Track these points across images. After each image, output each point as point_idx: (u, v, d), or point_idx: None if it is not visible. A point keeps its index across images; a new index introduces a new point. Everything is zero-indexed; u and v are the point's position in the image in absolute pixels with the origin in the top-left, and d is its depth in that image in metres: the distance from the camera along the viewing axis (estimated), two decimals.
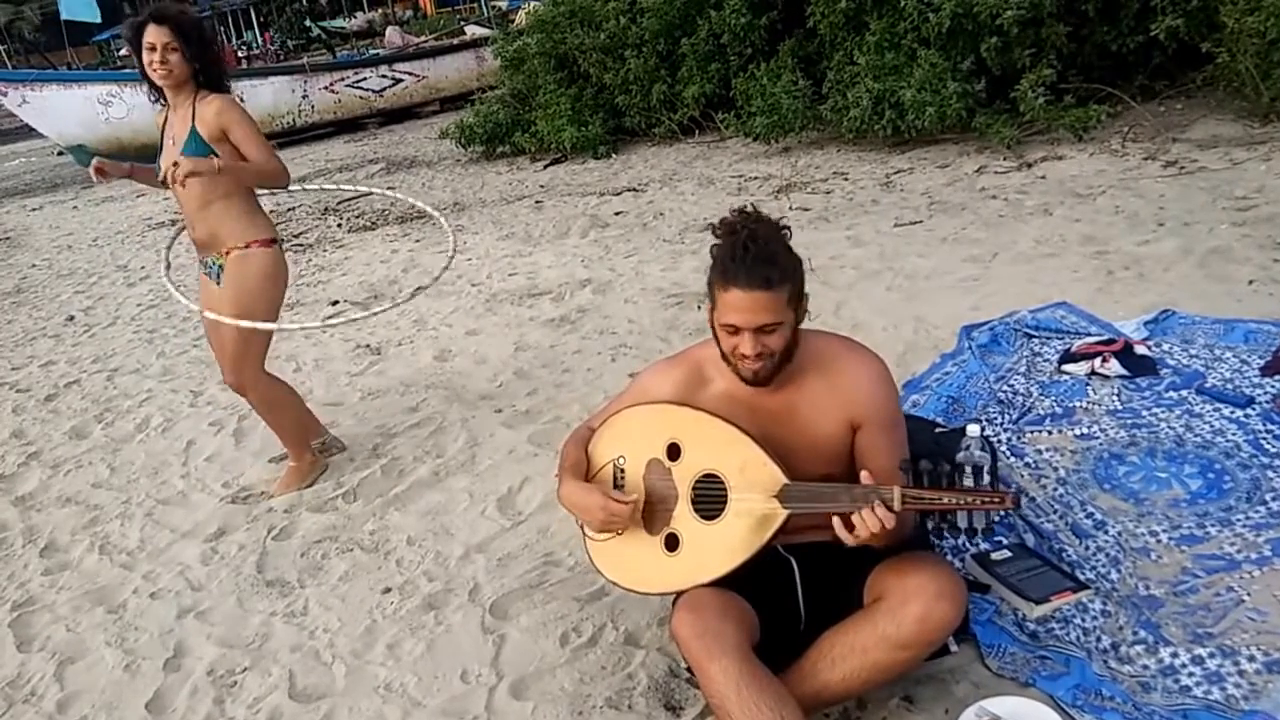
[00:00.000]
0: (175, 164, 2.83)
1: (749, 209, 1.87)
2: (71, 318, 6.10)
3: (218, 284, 3.11)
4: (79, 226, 9.55)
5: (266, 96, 12.96)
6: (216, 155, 2.94)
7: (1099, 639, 2.02)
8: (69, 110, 11.74)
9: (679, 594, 1.93)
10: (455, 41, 15.97)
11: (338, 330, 4.99)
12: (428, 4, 31.36)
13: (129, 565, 3.01)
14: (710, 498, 1.93)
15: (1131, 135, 5.95)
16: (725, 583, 1.88)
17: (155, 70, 2.92)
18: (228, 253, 3.07)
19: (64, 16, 18.87)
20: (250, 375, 3.20)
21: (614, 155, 8.58)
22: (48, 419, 4.34)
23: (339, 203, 8.53)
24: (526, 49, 9.32)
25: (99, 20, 18.68)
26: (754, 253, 1.77)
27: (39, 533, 3.31)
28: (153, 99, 3.10)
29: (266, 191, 3.41)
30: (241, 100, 3.19)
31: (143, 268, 7.21)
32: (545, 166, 8.69)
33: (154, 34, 2.89)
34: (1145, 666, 1.93)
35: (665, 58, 8.40)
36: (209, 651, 2.52)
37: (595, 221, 6.39)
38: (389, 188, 4.00)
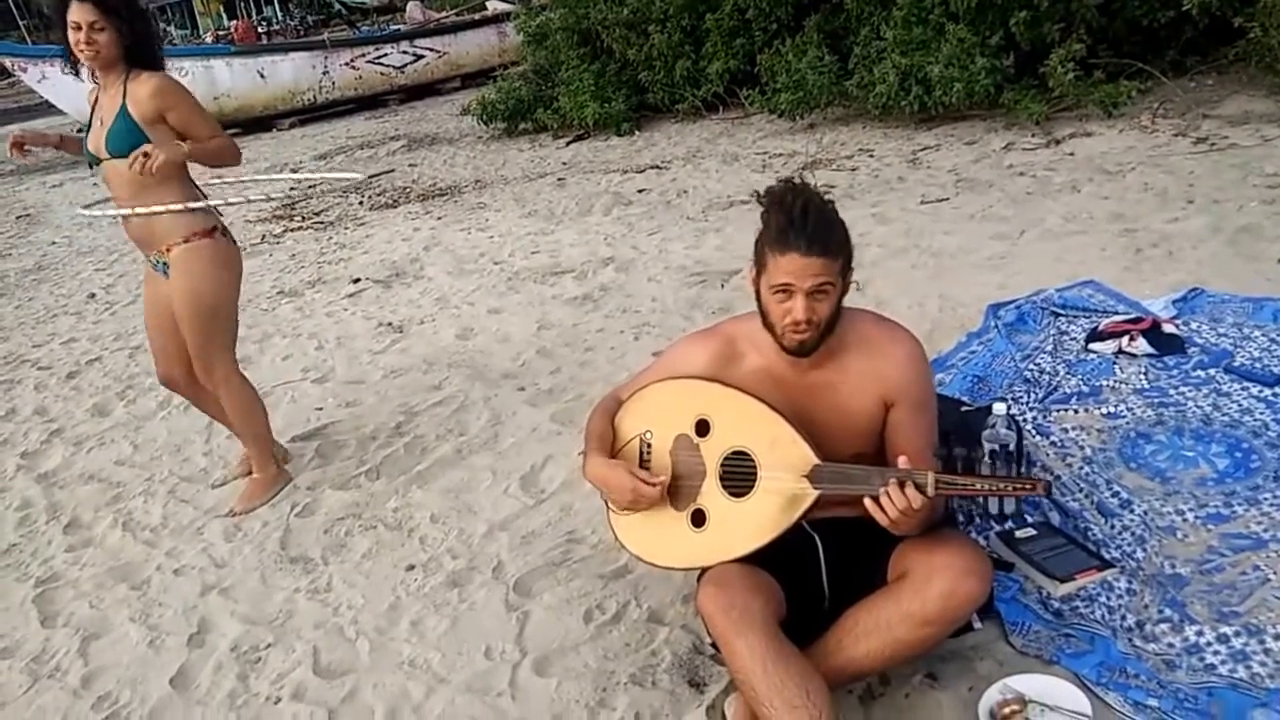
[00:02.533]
0: (145, 154, 2.64)
1: (797, 180, 1.86)
2: (93, 295, 6.14)
3: (165, 277, 2.94)
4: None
5: (287, 73, 12.99)
6: (146, 139, 2.74)
7: (1124, 617, 2.01)
8: (89, 87, 11.75)
9: (704, 570, 1.92)
10: (477, 17, 15.88)
11: (360, 308, 5.01)
12: None
13: (152, 542, 3.04)
14: (739, 475, 1.91)
15: (1161, 111, 5.85)
16: (750, 559, 1.88)
17: (82, 50, 2.73)
18: (169, 249, 2.89)
19: None
20: (222, 372, 3.04)
21: (637, 132, 8.53)
22: (70, 396, 4.38)
23: (360, 179, 8.55)
24: (549, 24, 9.27)
25: None
26: (814, 218, 1.78)
27: (62, 509, 3.35)
28: (68, 72, 2.88)
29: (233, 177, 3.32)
30: (184, 77, 3.07)
31: None
32: (568, 144, 8.65)
33: (78, 12, 2.69)
34: (1170, 645, 1.92)
35: (689, 33, 8.33)
36: (233, 628, 2.55)
37: (618, 199, 6.36)
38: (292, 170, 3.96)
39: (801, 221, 1.76)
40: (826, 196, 1.86)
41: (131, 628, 2.61)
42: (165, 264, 2.92)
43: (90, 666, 2.49)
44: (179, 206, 2.81)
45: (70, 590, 2.85)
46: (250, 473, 3.24)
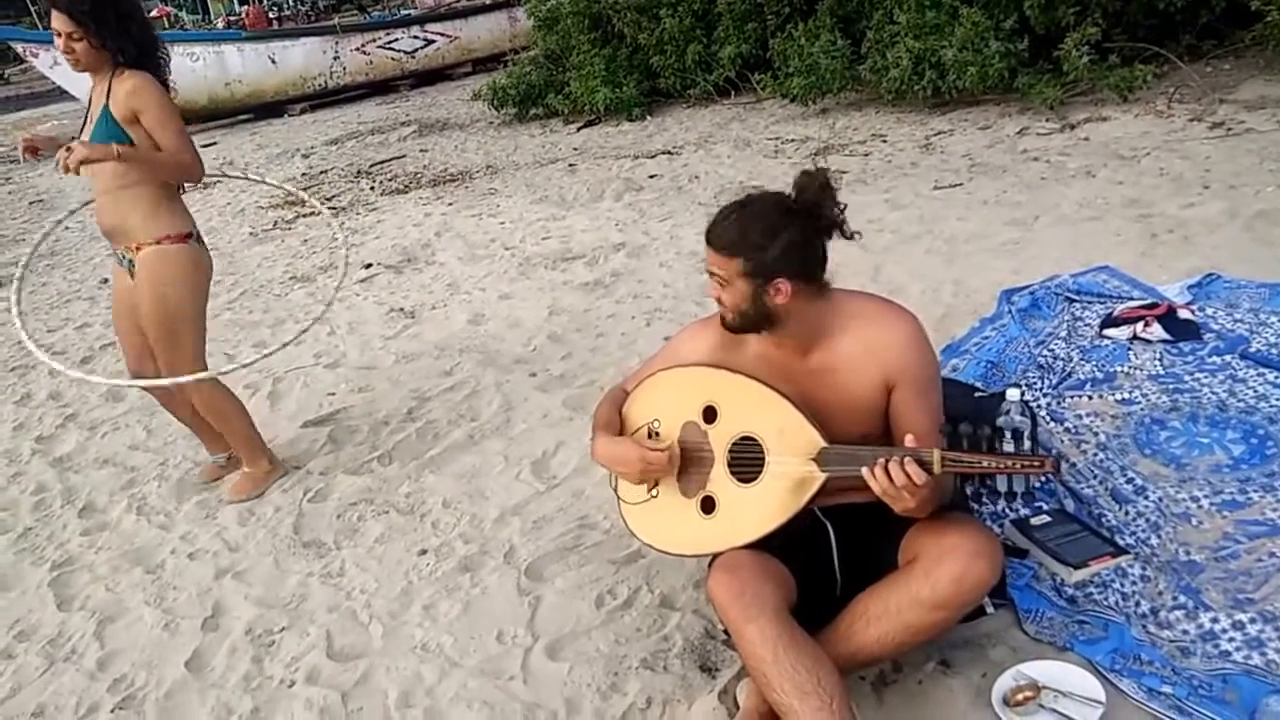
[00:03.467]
0: (68, 149, 2.60)
1: (814, 168, 1.88)
2: (105, 280, 6.15)
3: (131, 277, 2.91)
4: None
5: (298, 58, 12.98)
6: (129, 138, 2.72)
7: (1138, 604, 2.00)
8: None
9: (715, 556, 1.92)
10: (488, 1, 15.83)
11: (371, 293, 5.01)
12: None
13: (166, 526, 3.06)
14: (747, 460, 1.91)
15: (1177, 96, 5.79)
16: (761, 545, 1.88)
17: (65, 57, 2.75)
18: (138, 248, 2.85)
19: None
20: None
21: (648, 117, 8.49)
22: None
23: (371, 165, 8.55)
24: (560, 8, 9.22)
25: None
26: (725, 213, 1.87)
27: (77, 493, 3.37)
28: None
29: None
30: (173, 84, 2.93)
31: None
32: (579, 129, 8.62)
33: (56, 21, 2.69)
34: (1185, 631, 1.91)
35: (701, 17, 8.27)
36: (247, 611, 2.56)
37: (629, 185, 6.34)
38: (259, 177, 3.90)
39: (719, 215, 1.88)
40: (809, 209, 1.86)
41: (147, 611, 2.64)
42: (131, 261, 2.88)
43: (106, 649, 2.51)
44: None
45: (86, 574, 2.87)
46: (219, 478, 3.25)
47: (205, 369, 3.02)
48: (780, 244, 1.81)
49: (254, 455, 3.18)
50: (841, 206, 1.87)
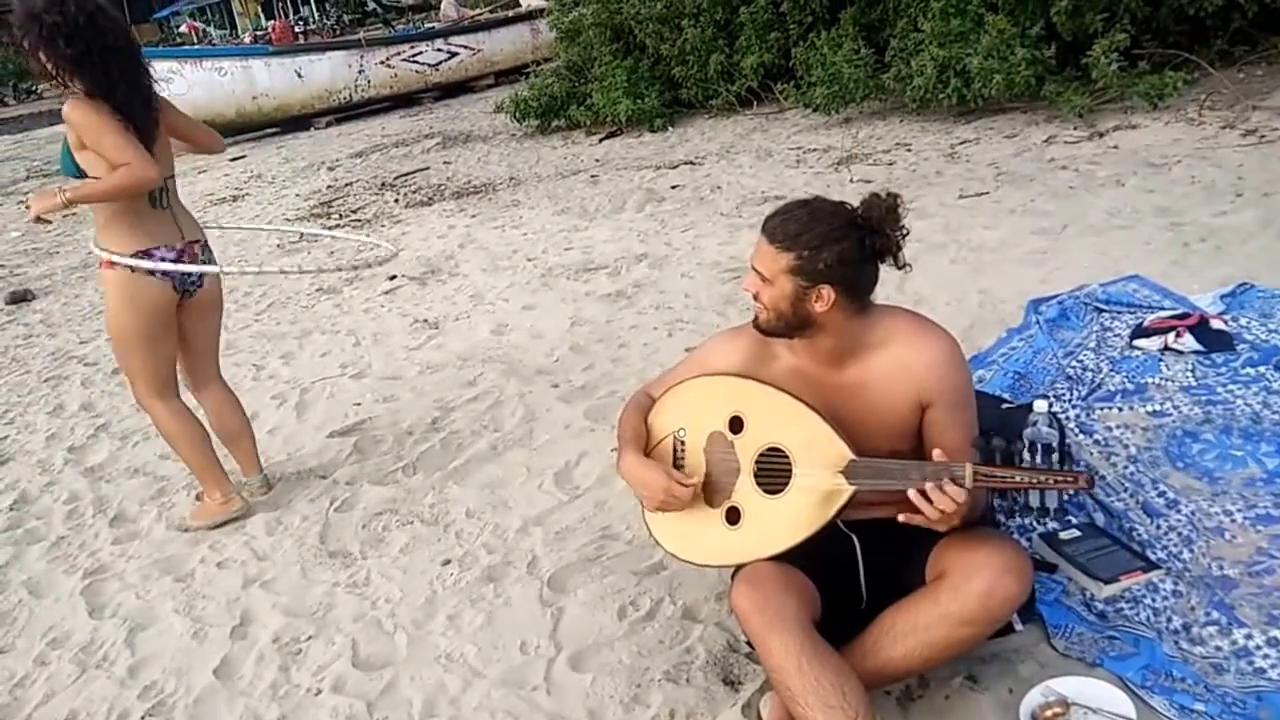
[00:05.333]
0: (27, 206, 2.58)
1: (882, 195, 1.85)
2: None
3: None
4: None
5: (324, 72, 13.12)
6: (78, 169, 2.69)
7: (1170, 620, 1.97)
8: None
9: (738, 568, 1.91)
10: (510, 14, 15.94)
11: (396, 305, 5.05)
12: None
13: (196, 535, 3.09)
14: (773, 472, 1.90)
15: (1209, 103, 5.72)
16: (786, 557, 1.86)
17: None
18: (100, 264, 2.82)
19: None
20: (143, 400, 3.00)
21: (670, 128, 8.51)
22: (115, 392, 4.45)
23: (395, 177, 8.61)
24: (582, 20, 9.27)
25: None
26: (788, 208, 1.86)
27: (109, 503, 3.41)
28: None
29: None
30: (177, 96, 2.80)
31: None
32: (601, 140, 8.65)
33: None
34: (1218, 648, 1.88)
35: (723, 27, 8.28)
36: (274, 620, 2.58)
37: (651, 195, 6.35)
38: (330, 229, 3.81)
39: (781, 209, 1.87)
40: (862, 217, 1.83)
41: (176, 619, 2.66)
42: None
43: (137, 657, 2.53)
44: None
45: (117, 582, 2.90)
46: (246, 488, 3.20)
47: (168, 398, 2.99)
48: (835, 252, 1.80)
49: (207, 487, 3.11)
50: (904, 232, 1.86)
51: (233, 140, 12.84)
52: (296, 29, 18.83)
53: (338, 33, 19.25)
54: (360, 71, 13.39)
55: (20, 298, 6.50)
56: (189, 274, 2.86)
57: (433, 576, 2.64)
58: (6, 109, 24.45)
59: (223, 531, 3.08)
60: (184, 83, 11.83)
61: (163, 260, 2.79)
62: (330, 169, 9.79)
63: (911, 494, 1.71)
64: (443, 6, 18.37)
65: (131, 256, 2.76)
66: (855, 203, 1.86)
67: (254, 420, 3.86)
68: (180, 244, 2.86)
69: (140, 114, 2.71)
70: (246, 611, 2.64)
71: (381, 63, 13.57)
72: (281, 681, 2.34)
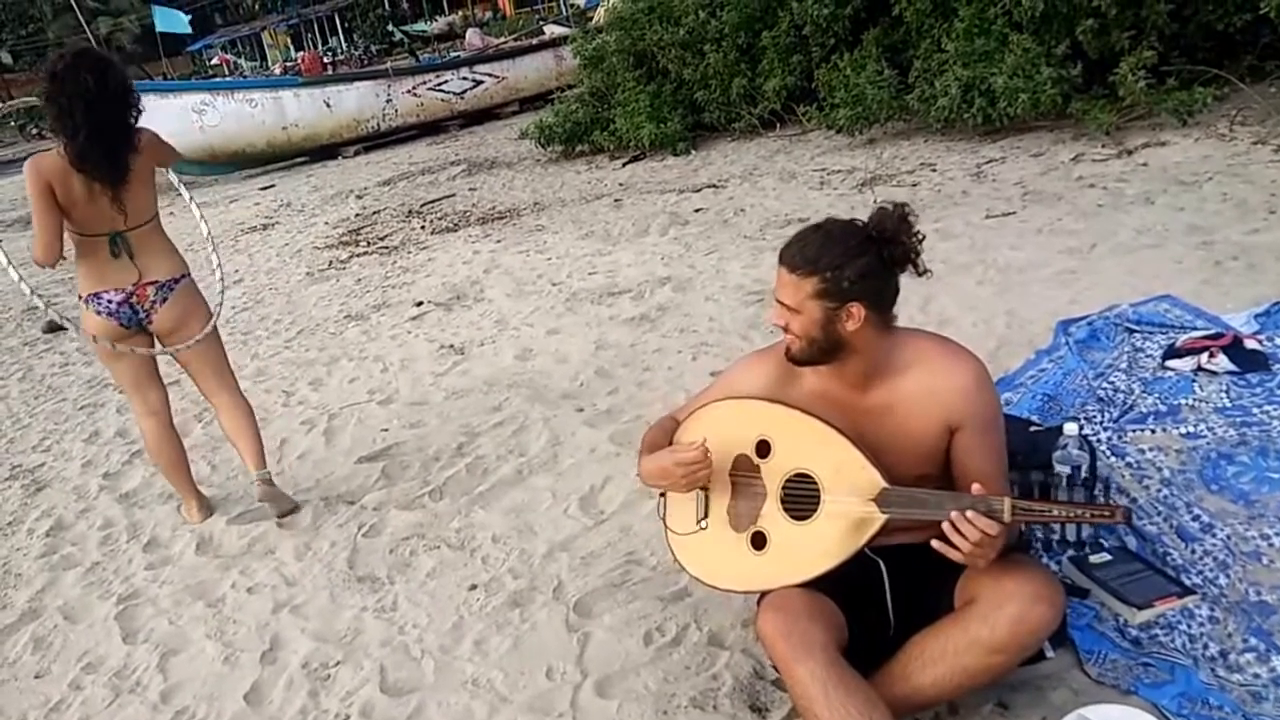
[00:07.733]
0: None
1: (889, 206, 1.86)
2: None
3: None
4: (173, 232, 9.69)
5: (352, 101, 13.33)
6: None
7: (1206, 646, 1.93)
8: (165, 120, 12.20)
9: (764, 594, 1.90)
10: (534, 42, 16.14)
11: (422, 331, 5.09)
12: (507, 5, 31.79)
13: (227, 561, 3.12)
14: (801, 498, 1.89)
15: (1240, 119, 5.67)
16: (812, 584, 1.85)
17: None
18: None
19: (159, 28, 19.72)
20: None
21: (693, 151, 8.55)
22: None
23: (422, 204, 8.71)
24: (605, 47, 9.36)
25: (189, 31, 19.36)
26: (801, 235, 1.86)
27: (142, 528, 3.45)
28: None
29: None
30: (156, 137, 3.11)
31: (236, 271, 7.46)
32: (624, 164, 8.71)
33: None
34: (1256, 675, 1.84)
35: (745, 51, 8.32)
36: (303, 645, 2.59)
37: (675, 219, 6.37)
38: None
39: (794, 237, 1.86)
40: (875, 230, 1.83)
41: (208, 644, 2.68)
42: None
43: (169, 682, 2.55)
44: None
45: (150, 607, 2.93)
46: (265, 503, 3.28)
47: (138, 406, 3.31)
48: (857, 267, 1.79)
49: (182, 496, 3.45)
50: (920, 237, 1.85)
51: (263, 170, 13.08)
52: (325, 60, 19.16)
53: (365, 63, 19.56)
54: (388, 101, 13.60)
55: (57, 326, 6.62)
56: (135, 309, 3.08)
57: (459, 601, 2.65)
58: (46, 140, 25.06)
59: (253, 556, 3.10)
60: (216, 114, 12.07)
61: (110, 303, 3.04)
62: (359, 197, 9.92)
63: (945, 526, 1.70)
64: (468, 35, 18.63)
65: (83, 299, 3.05)
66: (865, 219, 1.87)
67: (283, 445, 3.92)
68: (132, 285, 3.06)
69: (102, 164, 2.88)
70: (276, 637, 2.66)
71: (408, 92, 13.77)
72: (310, 707, 2.35)
